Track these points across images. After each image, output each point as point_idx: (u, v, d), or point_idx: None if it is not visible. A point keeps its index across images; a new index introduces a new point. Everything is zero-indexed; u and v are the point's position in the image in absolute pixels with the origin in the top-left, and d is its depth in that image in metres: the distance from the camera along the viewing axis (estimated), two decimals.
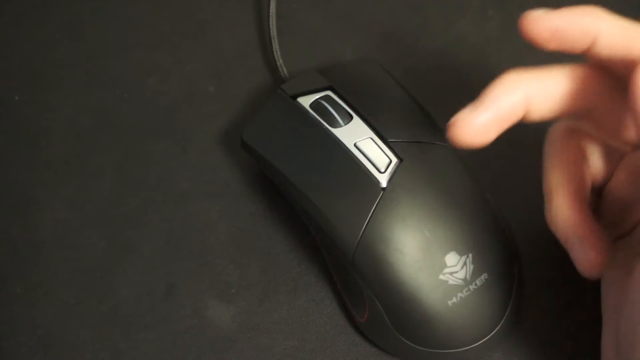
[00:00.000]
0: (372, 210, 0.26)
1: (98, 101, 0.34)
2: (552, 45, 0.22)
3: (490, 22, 0.35)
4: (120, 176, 0.32)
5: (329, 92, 0.29)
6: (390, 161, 0.27)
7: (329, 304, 0.29)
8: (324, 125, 0.28)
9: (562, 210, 0.25)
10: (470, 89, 0.33)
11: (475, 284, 0.26)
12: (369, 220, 0.26)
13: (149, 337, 0.29)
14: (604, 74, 0.23)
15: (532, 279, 0.28)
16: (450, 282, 0.26)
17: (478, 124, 0.22)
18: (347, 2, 0.36)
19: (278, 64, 0.33)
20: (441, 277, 0.26)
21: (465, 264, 0.26)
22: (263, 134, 0.29)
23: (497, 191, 0.28)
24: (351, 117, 0.28)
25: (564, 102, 0.23)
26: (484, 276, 0.26)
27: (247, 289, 0.30)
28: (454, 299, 0.26)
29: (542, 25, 0.22)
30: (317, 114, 0.28)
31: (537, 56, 0.24)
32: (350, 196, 0.26)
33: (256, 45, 0.35)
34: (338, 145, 0.27)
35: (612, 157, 0.26)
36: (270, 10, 0.34)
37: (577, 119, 0.23)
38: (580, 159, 0.26)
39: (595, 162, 0.26)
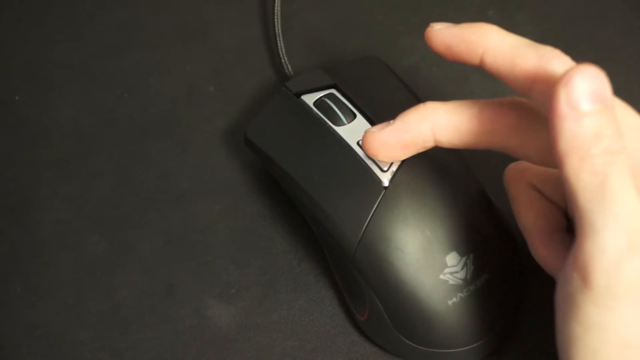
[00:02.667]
0: (373, 209, 0.26)
1: (98, 101, 0.34)
2: (448, 57, 0.24)
3: (490, 22, 0.35)
4: (120, 176, 0.32)
5: (333, 91, 0.29)
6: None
7: (329, 304, 0.29)
8: (327, 124, 0.28)
9: (538, 250, 0.26)
10: (470, 88, 0.34)
11: (476, 284, 0.26)
12: (370, 219, 0.26)
13: (149, 337, 0.29)
14: (519, 108, 0.24)
15: (533, 279, 0.28)
16: (451, 282, 0.26)
17: (382, 141, 0.25)
18: (347, 2, 0.36)
19: (283, 61, 0.33)
20: (442, 276, 0.26)
21: (466, 264, 0.26)
22: (266, 131, 0.29)
23: (499, 191, 0.28)
24: (355, 116, 0.28)
25: (470, 135, 0.24)
26: (484, 277, 0.26)
27: (247, 289, 0.30)
28: (454, 299, 0.26)
29: (437, 40, 0.24)
30: (321, 112, 0.28)
31: None
32: (352, 194, 0.26)
33: (256, 45, 0.35)
34: (341, 144, 0.27)
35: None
36: (276, 8, 0.34)
37: (501, 150, 0.24)
38: (536, 197, 0.27)
39: (551, 191, 0.27)
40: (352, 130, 0.27)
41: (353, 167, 0.27)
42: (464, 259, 0.26)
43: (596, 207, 0.20)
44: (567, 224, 0.27)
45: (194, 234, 0.31)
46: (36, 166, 0.33)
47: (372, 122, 0.28)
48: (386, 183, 0.26)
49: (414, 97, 0.29)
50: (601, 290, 0.20)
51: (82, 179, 0.32)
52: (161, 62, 0.35)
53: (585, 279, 0.20)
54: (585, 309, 0.20)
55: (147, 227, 0.31)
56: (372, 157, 0.26)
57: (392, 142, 0.24)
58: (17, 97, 0.34)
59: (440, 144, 0.24)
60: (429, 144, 0.24)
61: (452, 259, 0.26)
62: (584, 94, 0.20)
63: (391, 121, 0.25)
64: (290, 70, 0.33)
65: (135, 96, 0.34)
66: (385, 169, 0.26)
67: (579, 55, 0.23)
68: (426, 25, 0.25)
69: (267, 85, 0.34)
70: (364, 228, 0.26)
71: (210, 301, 0.30)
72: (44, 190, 0.32)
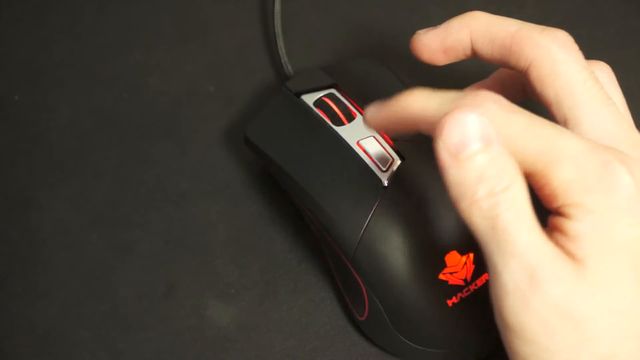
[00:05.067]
0: (373, 209, 0.26)
1: (98, 101, 0.34)
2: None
3: None
4: (120, 176, 0.32)
5: (332, 90, 0.29)
6: (393, 160, 0.27)
7: (329, 304, 0.29)
8: (327, 123, 0.28)
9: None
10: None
11: (476, 284, 0.26)
12: (370, 219, 0.26)
13: (148, 337, 0.29)
14: None
15: None
16: (450, 282, 0.26)
17: (426, 44, 0.26)
18: (348, 2, 0.36)
19: (283, 61, 0.33)
20: (441, 276, 0.26)
21: (465, 264, 0.26)
22: (266, 131, 0.29)
23: None
24: (354, 116, 0.28)
25: (503, 50, 0.24)
26: (484, 276, 0.26)
27: (247, 289, 0.30)
28: (454, 299, 0.26)
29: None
30: (321, 112, 0.28)
31: None
32: (352, 194, 0.26)
33: (256, 45, 0.35)
34: (341, 143, 0.27)
35: None
36: (275, 8, 0.34)
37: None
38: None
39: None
40: (352, 130, 0.27)
41: (353, 167, 0.27)
42: (464, 259, 0.26)
43: (494, 249, 0.20)
44: None
45: (194, 234, 0.31)
46: (36, 166, 0.33)
47: None
48: (386, 183, 0.26)
49: None
50: (518, 331, 0.20)
51: (82, 179, 0.32)
52: (161, 62, 0.35)
53: (503, 321, 0.20)
54: (515, 348, 0.21)
55: (147, 227, 0.31)
56: (416, 56, 0.26)
57: (435, 45, 0.25)
58: (16, 97, 0.34)
59: (476, 55, 0.25)
60: (468, 52, 0.25)
61: (452, 259, 0.26)
62: (459, 139, 0.20)
63: (438, 25, 0.25)
64: (290, 70, 0.33)
65: (135, 96, 0.34)
66: (385, 169, 0.26)
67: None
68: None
69: (267, 85, 0.34)
70: (363, 228, 0.26)
71: (210, 301, 0.30)
72: (44, 190, 0.32)
